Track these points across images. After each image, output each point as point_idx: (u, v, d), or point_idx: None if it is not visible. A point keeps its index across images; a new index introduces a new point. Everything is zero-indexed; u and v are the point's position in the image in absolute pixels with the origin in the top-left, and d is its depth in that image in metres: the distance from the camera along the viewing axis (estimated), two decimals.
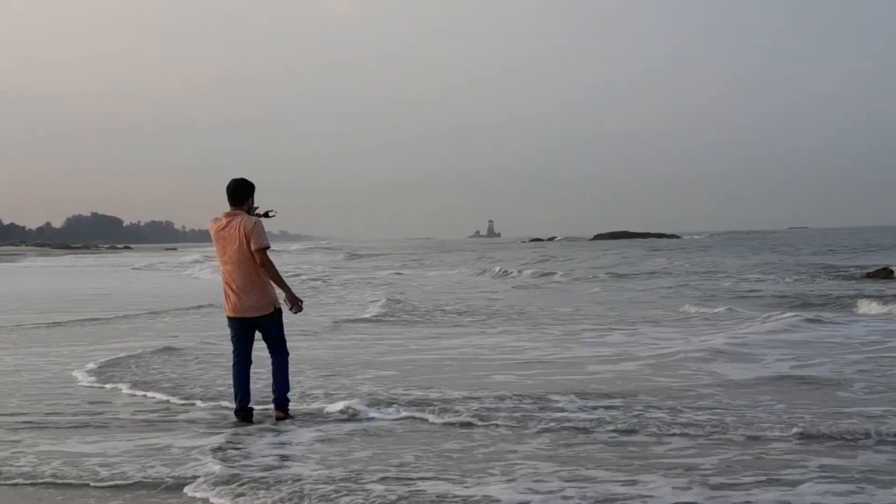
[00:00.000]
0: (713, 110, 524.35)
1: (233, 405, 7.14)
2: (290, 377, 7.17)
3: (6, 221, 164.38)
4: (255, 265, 6.80)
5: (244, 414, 7.00)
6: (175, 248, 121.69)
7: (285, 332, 7.13)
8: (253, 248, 6.73)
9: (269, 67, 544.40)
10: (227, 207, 6.92)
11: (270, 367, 7.10)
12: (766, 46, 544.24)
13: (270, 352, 7.09)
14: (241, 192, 6.91)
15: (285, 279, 7.03)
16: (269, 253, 6.87)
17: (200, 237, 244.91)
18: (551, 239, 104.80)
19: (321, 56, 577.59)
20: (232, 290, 6.88)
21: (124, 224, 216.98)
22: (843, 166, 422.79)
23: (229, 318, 7.01)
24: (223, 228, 6.87)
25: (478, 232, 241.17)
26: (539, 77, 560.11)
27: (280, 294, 7.02)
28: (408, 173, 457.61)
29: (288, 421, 6.93)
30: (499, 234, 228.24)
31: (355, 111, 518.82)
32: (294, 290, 7.12)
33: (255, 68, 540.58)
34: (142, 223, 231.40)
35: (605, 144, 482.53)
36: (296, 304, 7.00)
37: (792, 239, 73.33)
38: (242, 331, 7.00)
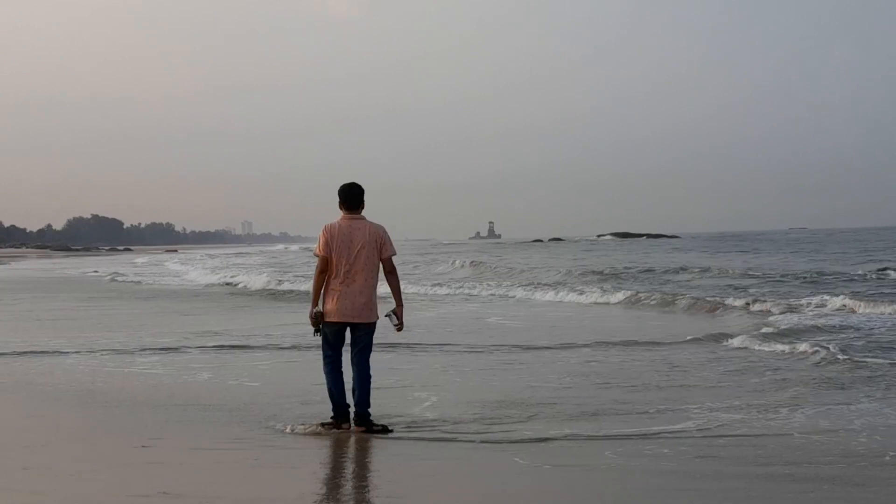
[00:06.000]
0: (724, 116, 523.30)
1: None
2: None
3: (7, 224, 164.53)
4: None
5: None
6: (175, 250, 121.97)
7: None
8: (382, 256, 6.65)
9: (270, 73, 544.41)
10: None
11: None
12: (781, 55, 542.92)
13: (364, 356, 6.68)
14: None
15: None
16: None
17: (200, 238, 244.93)
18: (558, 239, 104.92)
19: (324, 63, 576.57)
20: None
21: (125, 226, 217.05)
22: (852, 169, 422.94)
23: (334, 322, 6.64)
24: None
25: (478, 233, 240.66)
26: (558, 85, 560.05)
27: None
28: (409, 174, 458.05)
29: None
30: (499, 236, 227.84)
31: (355, 117, 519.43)
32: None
33: (256, 74, 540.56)
34: (142, 225, 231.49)
35: (611, 149, 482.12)
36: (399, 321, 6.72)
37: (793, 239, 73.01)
38: (340, 332, 6.65)
